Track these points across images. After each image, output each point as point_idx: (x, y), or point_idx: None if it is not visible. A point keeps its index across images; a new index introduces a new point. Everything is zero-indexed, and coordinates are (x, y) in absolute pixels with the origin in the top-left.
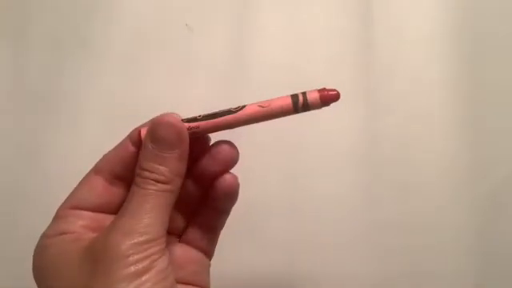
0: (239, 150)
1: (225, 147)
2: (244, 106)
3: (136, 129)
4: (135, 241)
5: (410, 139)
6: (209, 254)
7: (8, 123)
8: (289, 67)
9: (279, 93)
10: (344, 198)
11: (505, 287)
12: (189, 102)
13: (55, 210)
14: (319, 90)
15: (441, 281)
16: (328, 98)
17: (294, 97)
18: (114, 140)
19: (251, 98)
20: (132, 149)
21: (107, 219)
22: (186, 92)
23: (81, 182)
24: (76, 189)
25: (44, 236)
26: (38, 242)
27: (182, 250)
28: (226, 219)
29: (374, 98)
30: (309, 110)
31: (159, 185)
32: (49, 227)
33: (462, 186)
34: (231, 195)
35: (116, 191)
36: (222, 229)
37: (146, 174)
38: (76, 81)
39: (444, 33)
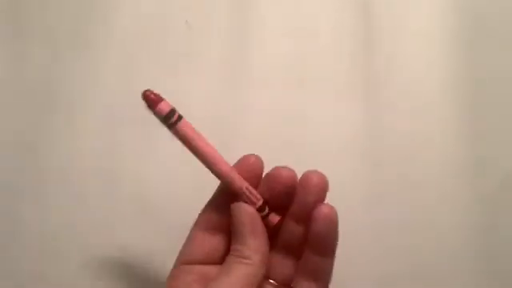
0: (236, 148)
1: (313, 175)
2: None
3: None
4: None
5: (410, 135)
6: None
7: (4, 120)
8: (289, 62)
9: (278, 89)
10: (343, 195)
11: (506, 285)
12: (189, 98)
13: (53, 207)
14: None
15: (441, 279)
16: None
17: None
18: (113, 136)
19: (251, 94)
20: (221, 201)
21: (212, 270)
22: (185, 88)
23: (187, 237)
24: (183, 245)
25: None
26: None
27: None
28: (331, 265)
29: (374, 93)
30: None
31: (241, 259)
32: (166, 284)
33: (462, 183)
34: (327, 227)
35: (216, 241)
36: (329, 280)
37: (233, 252)
38: (74, 77)
39: (445, 27)
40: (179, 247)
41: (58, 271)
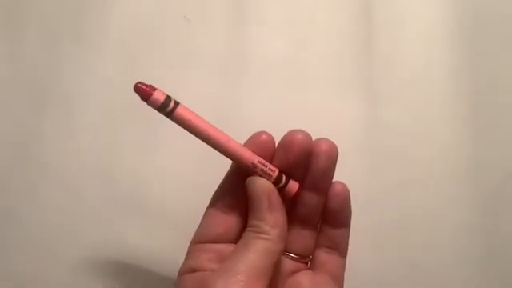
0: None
1: (322, 142)
2: None
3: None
4: (228, 280)
5: (410, 135)
6: (338, 280)
7: (1, 117)
8: (288, 58)
9: (278, 85)
10: None
11: (507, 284)
12: (186, 93)
13: (51, 207)
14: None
15: (442, 280)
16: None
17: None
18: (111, 132)
19: (250, 90)
20: (234, 180)
21: (227, 248)
22: (183, 83)
23: (203, 216)
24: (199, 224)
25: (179, 273)
26: (176, 279)
27: (309, 280)
28: (347, 235)
29: (375, 90)
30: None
31: (259, 234)
32: (182, 263)
33: (463, 183)
34: (340, 203)
35: (231, 220)
36: (347, 249)
37: (251, 228)
38: (71, 74)
39: (446, 20)
40: (178, 246)
41: (57, 271)
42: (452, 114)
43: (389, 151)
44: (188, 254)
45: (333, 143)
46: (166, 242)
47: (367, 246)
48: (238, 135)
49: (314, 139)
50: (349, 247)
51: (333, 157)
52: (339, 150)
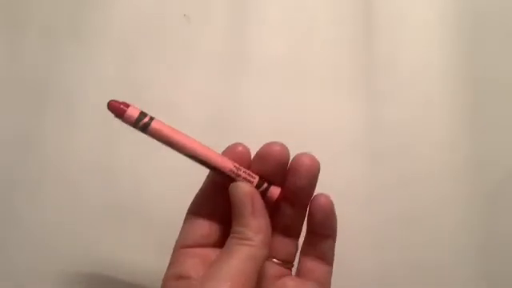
0: (236, 143)
1: (304, 158)
2: None
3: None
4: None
5: (410, 133)
6: (325, 287)
7: (1, 116)
8: (288, 56)
9: (278, 84)
10: (343, 190)
11: (506, 283)
12: (187, 92)
13: (51, 206)
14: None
15: (441, 278)
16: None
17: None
18: (111, 131)
19: (250, 90)
20: (212, 189)
21: (212, 253)
22: (183, 82)
23: (183, 222)
24: (181, 229)
25: (164, 279)
26: (161, 286)
27: (295, 285)
28: (333, 244)
29: (375, 90)
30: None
31: (243, 240)
32: (167, 270)
33: (462, 182)
34: (325, 215)
35: (213, 224)
36: (333, 258)
37: (235, 235)
38: (72, 73)
39: (446, 20)
40: None
41: (57, 271)
42: (452, 113)
43: (389, 151)
44: (172, 259)
45: (314, 158)
46: (165, 242)
47: (367, 246)
48: (237, 135)
49: (305, 145)
50: (349, 247)
51: (314, 172)
52: (339, 150)
